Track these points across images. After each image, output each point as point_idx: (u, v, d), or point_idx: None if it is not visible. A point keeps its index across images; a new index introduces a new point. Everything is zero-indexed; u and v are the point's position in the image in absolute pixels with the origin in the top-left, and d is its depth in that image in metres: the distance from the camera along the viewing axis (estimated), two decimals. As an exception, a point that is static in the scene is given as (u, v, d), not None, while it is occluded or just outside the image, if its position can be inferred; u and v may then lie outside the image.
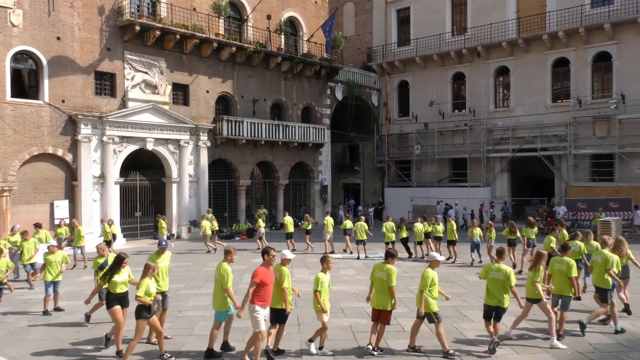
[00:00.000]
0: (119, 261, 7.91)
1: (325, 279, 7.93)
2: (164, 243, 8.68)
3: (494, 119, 29.69)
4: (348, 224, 19.33)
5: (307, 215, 21.55)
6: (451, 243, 16.99)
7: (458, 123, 30.80)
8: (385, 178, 34.21)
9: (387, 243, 17.12)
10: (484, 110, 29.71)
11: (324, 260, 8.09)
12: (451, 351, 7.64)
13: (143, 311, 7.34)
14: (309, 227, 20.13)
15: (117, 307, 7.77)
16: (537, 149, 27.43)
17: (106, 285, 7.84)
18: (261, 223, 20.26)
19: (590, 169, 26.93)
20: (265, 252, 7.55)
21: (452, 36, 31.49)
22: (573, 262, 8.60)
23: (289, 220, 19.86)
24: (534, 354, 7.86)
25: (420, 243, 17.60)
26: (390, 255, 7.89)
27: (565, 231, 13.84)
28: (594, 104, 26.45)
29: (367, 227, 18.29)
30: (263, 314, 7.31)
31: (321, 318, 7.84)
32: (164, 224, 19.58)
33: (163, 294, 8.35)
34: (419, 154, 31.91)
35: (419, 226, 17.60)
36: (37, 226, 15.54)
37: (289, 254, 7.84)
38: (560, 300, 8.64)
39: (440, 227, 17.70)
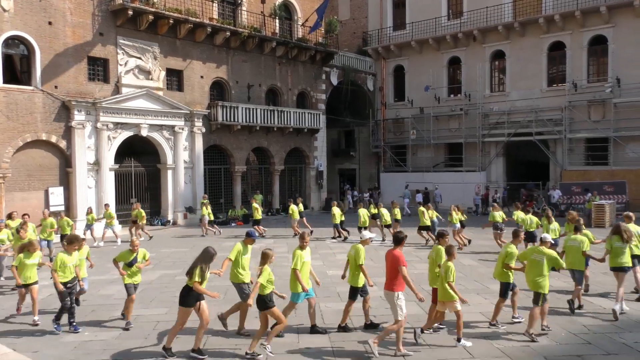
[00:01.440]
0: (209, 257, 7.29)
1: (304, 255, 7.94)
2: (256, 234, 8.38)
3: (490, 103, 29.65)
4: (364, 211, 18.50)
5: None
6: (423, 229, 17.04)
7: (454, 108, 30.75)
8: (381, 163, 34.22)
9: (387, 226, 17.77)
10: (480, 95, 29.65)
11: (301, 237, 8.15)
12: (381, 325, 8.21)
13: (266, 301, 7.19)
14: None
15: (204, 304, 7.33)
16: (533, 133, 27.44)
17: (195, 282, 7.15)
18: (205, 211, 19.63)
19: (585, 153, 27.01)
20: (398, 238, 7.53)
21: (448, 20, 31.29)
22: (586, 240, 9.37)
23: (293, 208, 19.49)
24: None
25: (388, 226, 17.68)
26: (397, 241, 7.60)
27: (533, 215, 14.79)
28: (589, 88, 26.44)
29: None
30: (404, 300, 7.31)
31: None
32: (209, 208, 19.88)
33: (245, 284, 8.13)
34: (415, 138, 31.88)
35: (383, 211, 18.06)
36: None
37: (368, 234, 8.36)
38: (575, 274, 9.30)
39: (396, 211, 18.07)
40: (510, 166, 30.26)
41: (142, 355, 7.40)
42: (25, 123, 18.78)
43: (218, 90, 25.84)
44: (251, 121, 25.90)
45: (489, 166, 29.88)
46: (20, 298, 9.33)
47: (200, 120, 24.17)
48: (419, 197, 26.97)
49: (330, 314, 9.18)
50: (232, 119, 25.07)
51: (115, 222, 18.80)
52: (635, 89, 24.78)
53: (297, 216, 19.25)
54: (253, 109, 26.02)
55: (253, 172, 28.40)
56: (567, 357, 7.11)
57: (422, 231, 17.11)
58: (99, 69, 21.14)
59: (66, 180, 20.20)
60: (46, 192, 19.55)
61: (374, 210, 18.83)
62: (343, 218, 18.89)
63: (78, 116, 20.01)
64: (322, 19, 27.52)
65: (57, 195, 19.73)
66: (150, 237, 18.91)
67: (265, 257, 7.43)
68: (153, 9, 21.59)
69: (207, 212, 19.89)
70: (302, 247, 8.03)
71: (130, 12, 20.88)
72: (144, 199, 22.90)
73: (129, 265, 8.54)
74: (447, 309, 7.66)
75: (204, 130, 24.36)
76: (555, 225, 12.67)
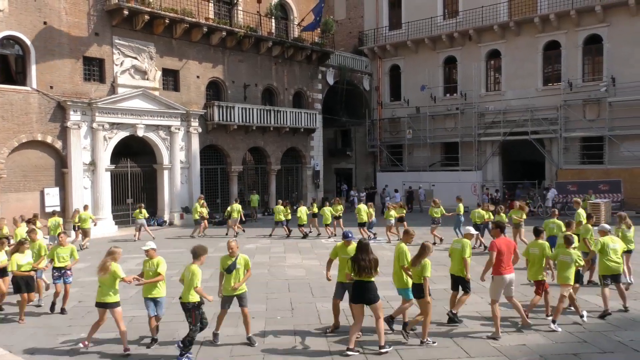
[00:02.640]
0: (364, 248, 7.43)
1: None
2: (350, 235, 8.38)
3: (485, 102, 29.72)
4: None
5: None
6: (362, 225, 17.92)
7: (449, 107, 30.80)
8: (377, 163, 34.24)
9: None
10: (476, 94, 29.72)
11: (406, 232, 8.35)
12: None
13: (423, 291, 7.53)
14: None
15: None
16: (528, 132, 27.52)
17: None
18: (140, 215, 19.14)
19: (580, 152, 27.11)
20: (498, 226, 8.54)
21: (443, 19, 31.34)
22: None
23: (302, 210, 19.60)
24: (524, 334, 7.97)
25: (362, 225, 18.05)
26: (407, 234, 8.29)
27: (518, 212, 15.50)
28: (584, 87, 26.52)
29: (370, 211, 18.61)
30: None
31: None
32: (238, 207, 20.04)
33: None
34: (411, 138, 31.92)
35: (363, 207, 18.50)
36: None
37: (472, 230, 9.08)
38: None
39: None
40: (506, 165, 30.34)
41: (139, 358, 7.39)
42: (20, 123, 18.71)
43: (214, 90, 25.80)
44: (247, 121, 25.88)
45: (485, 165, 29.96)
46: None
47: (197, 120, 24.13)
48: (397, 197, 27.66)
49: (327, 314, 9.17)
50: (228, 119, 25.05)
51: (90, 224, 17.83)
52: (630, 88, 24.88)
53: (281, 217, 19.46)
54: (249, 108, 26.00)
55: (249, 172, 28.39)
56: (563, 355, 7.14)
57: (360, 228, 17.89)
58: (95, 69, 21.08)
59: (62, 180, 20.13)
60: (42, 193, 19.47)
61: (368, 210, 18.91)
62: (340, 214, 19.65)
63: (74, 116, 19.95)
64: (320, 18, 27.47)
65: (52, 196, 19.65)
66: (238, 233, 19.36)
67: (425, 250, 7.67)
68: (149, 9, 21.54)
69: (204, 210, 20.01)
70: (407, 243, 8.18)
71: (126, 12, 20.82)
72: (141, 199, 22.83)
73: (228, 271, 7.75)
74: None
75: (200, 130, 24.33)
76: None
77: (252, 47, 26.45)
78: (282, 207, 19.71)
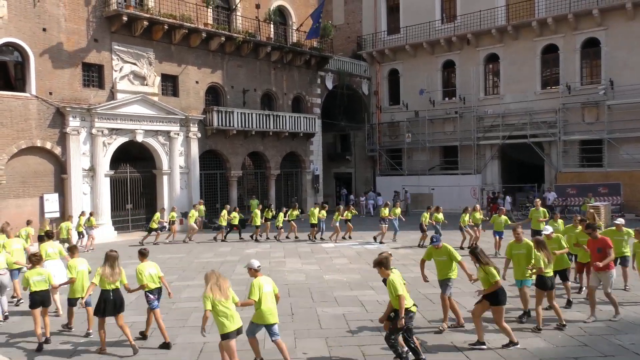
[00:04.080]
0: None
1: None
2: (435, 240, 8.65)
3: (484, 106, 29.77)
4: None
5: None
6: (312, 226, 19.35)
7: (448, 111, 30.85)
8: (377, 167, 34.26)
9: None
10: (474, 98, 29.77)
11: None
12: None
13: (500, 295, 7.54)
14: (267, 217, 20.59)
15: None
16: (527, 135, 27.55)
17: None
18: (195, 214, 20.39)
19: (579, 155, 27.15)
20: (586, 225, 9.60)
21: (441, 24, 31.43)
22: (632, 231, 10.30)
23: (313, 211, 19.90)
24: (524, 338, 7.96)
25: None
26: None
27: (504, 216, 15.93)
28: (582, 90, 26.57)
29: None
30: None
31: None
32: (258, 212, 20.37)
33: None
34: (410, 142, 31.95)
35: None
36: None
37: (549, 229, 9.89)
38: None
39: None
40: (505, 168, 30.36)
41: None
42: (19, 130, 18.72)
43: (213, 95, 25.83)
44: (247, 126, 25.91)
45: (484, 169, 29.98)
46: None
47: (196, 125, 24.15)
48: (380, 200, 28.51)
49: (328, 319, 9.16)
50: (227, 124, 25.07)
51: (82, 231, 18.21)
52: (628, 91, 24.93)
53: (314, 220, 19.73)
54: (248, 113, 26.03)
55: (249, 177, 28.39)
56: (564, 359, 7.13)
57: (312, 228, 19.31)
58: (94, 75, 21.11)
59: (61, 186, 20.13)
60: (41, 199, 19.44)
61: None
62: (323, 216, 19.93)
63: (73, 122, 19.96)
64: (319, 24, 27.50)
65: (52, 202, 19.62)
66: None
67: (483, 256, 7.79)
68: (148, 15, 21.60)
69: (195, 216, 20.43)
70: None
71: (125, 18, 20.87)
72: (140, 204, 22.85)
73: None
74: None
75: (199, 135, 24.34)
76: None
77: (251, 52, 26.50)
78: (316, 210, 19.79)
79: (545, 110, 27.46)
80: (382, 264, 6.88)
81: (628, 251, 10.49)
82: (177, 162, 23.57)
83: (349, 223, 19.63)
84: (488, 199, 27.40)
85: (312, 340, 8.06)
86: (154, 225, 19.59)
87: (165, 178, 23.35)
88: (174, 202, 23.45)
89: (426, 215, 17.57)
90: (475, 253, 7.69)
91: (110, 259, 7.83)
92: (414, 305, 6.92)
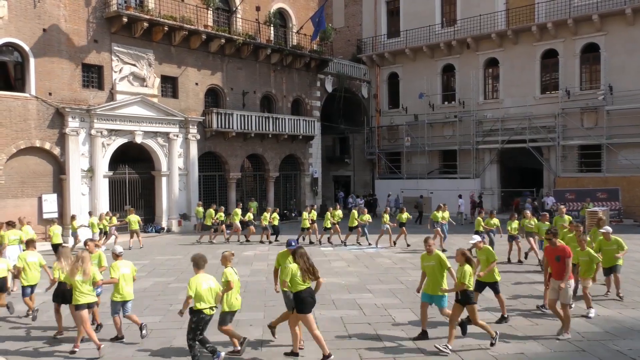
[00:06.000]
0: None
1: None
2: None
3: (484, 110, 29.80)
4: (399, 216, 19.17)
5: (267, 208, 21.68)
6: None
7: (448, 115, 30.88)
8: (376, 170, 34.28)
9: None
10: (474, 102, 29.80)
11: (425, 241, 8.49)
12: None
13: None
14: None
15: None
16: (526, 140, 27.58)
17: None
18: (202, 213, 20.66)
19: (578, 160, 27.16)
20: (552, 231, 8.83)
21: (441, 28, 31.48)
22: (622, 241, 10.29)
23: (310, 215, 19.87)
24: (522, 342, 7.94)
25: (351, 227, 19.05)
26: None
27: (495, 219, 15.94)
28: (582, 95, 26.62)
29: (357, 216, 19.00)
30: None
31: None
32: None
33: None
34: (409, 145, 31.96)
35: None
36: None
37: (476, 238, 9.42)
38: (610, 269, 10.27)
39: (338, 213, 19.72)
40: (504, 173, 30.38)
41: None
42: (19, 130, 18.71)
43: (213, 97, 25.85)
44: (246, 128, 25.91)
45: (483, 173, 29.99)
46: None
47: (195, 127, 24.15)
48: (360, 202, 28.75)
49: (325, 322, 9.14)
50: (226, 126, 25.07)
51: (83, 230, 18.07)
52: (628, 96, 24.97)
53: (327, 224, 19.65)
54: (248, 116, 26.04)
55: (248, 179, 28.38)
56: (562, 364, 7.12)
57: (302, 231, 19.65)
58: (94, 76, 21.12)
59: (60, 187, 20.12)
60: (39, 199, 19.44)
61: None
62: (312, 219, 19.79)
63: (72, 123, 19.96)
64: (324, 27, 27.42)
65: (50, 202, 19.62)
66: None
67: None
68: (148, 16, 21.62)
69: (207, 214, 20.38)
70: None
71: (125, 19, 20.89)
72: (138, 206, 22.80)
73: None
74: None
75: (198, 137, 24.34)
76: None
77: (251, 54, 26.53)
78: (337, 212, 19.76)
79: (544, 115, 27.50)
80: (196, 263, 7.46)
81: (621, 261, 10.27)
82: (176, 164, 23.56)
83: (336, 226, 19.44)
84: (472, 203, 27.41)
85: (309, 343, 8.04)
86: (209, 222, 20.02)
87: (164, 179, 23.33)
88: (172, 203, 23.44)
89: (436, 214, 17.68)
90: (465, 254, 7.78)
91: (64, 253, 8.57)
92: (210, 308, 7.07)
